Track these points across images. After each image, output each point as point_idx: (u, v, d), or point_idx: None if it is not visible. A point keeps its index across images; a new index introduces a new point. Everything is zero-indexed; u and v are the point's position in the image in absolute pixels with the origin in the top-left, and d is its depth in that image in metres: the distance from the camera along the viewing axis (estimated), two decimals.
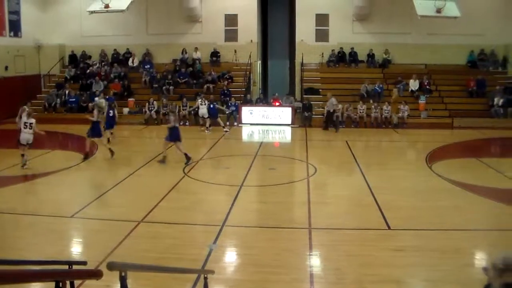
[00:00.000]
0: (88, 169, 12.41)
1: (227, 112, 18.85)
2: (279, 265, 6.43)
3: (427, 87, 20.59)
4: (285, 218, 8.44)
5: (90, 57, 23.25)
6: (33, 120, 11.98)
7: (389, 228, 7.71)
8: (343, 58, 22.20)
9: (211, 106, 18.11)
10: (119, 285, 2.97)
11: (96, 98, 17.57)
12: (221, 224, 7.86)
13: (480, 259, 6.61)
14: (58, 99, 20.65)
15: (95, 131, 12.91)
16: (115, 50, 23.09)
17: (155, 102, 19.70)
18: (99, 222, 8.12)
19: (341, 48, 22.21)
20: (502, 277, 3.01)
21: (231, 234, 7.67)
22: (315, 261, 6.67)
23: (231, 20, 22.63)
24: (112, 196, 9.77)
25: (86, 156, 13.00)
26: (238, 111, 19.51)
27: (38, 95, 21.68)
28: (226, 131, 18.06)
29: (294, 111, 19.70)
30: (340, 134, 17.55)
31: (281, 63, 25.03)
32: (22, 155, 11.88)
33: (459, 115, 19.23)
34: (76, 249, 7.18)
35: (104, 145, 13.36)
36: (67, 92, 20.63)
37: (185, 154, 12.33)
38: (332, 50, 22.25)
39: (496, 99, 19.42)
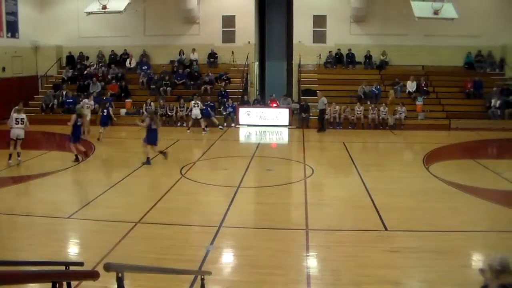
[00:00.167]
0: (85, 170, 12.40)
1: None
2: (276, 266, 6.43)
3: (424, 88, 20.64)
4: (282, 219, 8.45)
5: (87, 58, 23.24)
6: (23, 116, 11.96)
7: (386, 229, 7.72)
8: (340, 60, 22.21)
9: (204, 107, 18.14)
10: (116, 286, 2.97)
11: (78, 106, 17.28)
12: (218, 225, 7.85)
13: (477, 260, 6.62)
14: (56, 100, 20.64)
15: (75, 136, 12.79)
16: (112, 51, 23.08)
17: (152, 103, 19.67)
18: (96, 223, 8.09)
19: (339, 49, 22.22)
20: (499, 279, 3.03)
21: (228, 235, 7.66)
22: (312, 262, 6.67)
23: (228, 21, 22.64)
24: (109, 197, 9.74)
25: (86, 155, 13.00)
26: (235, 112, 19.53)
27: (35, 96, 21.71)
28: (221, 128, 18.07)
29: (292, 112, 19.71)
30: (338, 135, 17.57)
31: (279, 64, 25.00)
32: (10, 154, 11.86)
33: (456, 116, 19.28)
34: (73, 250, 7.15)
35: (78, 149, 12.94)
36: (64, 93, 20.61)
37: (160, 152, 12.51)
38: (330, 52, 22.26)
39: (493, 101, 19.47)
